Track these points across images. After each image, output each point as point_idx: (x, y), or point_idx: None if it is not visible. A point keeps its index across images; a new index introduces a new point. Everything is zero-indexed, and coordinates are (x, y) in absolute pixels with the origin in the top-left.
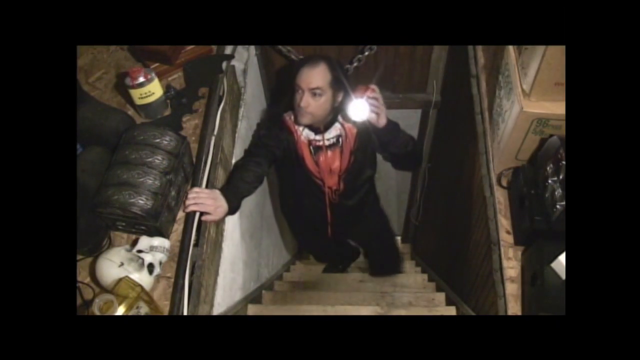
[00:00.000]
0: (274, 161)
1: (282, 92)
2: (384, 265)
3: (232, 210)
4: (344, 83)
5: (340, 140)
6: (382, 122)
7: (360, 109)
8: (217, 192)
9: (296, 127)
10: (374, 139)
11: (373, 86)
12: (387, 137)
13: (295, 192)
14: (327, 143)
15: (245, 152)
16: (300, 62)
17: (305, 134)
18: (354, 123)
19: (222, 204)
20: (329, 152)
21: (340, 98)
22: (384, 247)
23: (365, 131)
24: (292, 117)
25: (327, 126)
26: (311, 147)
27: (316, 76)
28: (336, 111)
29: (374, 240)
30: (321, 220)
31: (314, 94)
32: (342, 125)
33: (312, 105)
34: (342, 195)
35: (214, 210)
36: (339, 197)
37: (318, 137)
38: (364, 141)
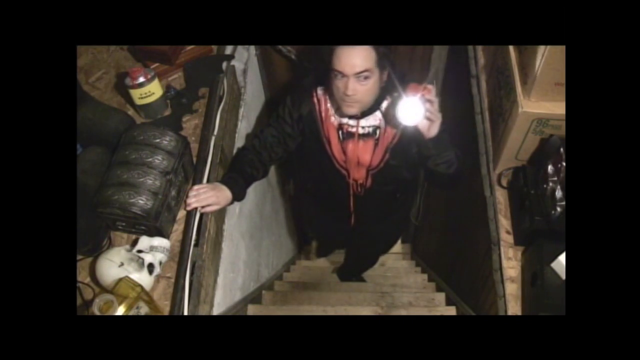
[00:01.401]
0: (283, 156)
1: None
2: (358, 270)
3: (237, 197)
4: (390, 60)
5: (378, 132)
6: (433, 132)
7: (412, 110)
8: (217, 183)
9: (327, 105)
10: (415, 144)
11: (430, 85)
12: (431, 151)
13: (314, 176)
14: (360, 131)
15: (258, 135)
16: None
17: (336, 114)
18: (398, 121)
19: (224, 193)
20: (361, 142)
21: (385, 77)
22: (375, 253)
23: (409, 132)
24: (322, 94)
25: (366, 113)
26: (340, 132)
27: (361, 56)
28: (381, 94)
29: (374, 244)
30: (343, 209)
31: (362, 78)
32: (383, 116)
33: (360, 91)
34: (369, 191)
35: (216, 201)
36: (365, 192)
37: (352, 122)
38: (406, 141)
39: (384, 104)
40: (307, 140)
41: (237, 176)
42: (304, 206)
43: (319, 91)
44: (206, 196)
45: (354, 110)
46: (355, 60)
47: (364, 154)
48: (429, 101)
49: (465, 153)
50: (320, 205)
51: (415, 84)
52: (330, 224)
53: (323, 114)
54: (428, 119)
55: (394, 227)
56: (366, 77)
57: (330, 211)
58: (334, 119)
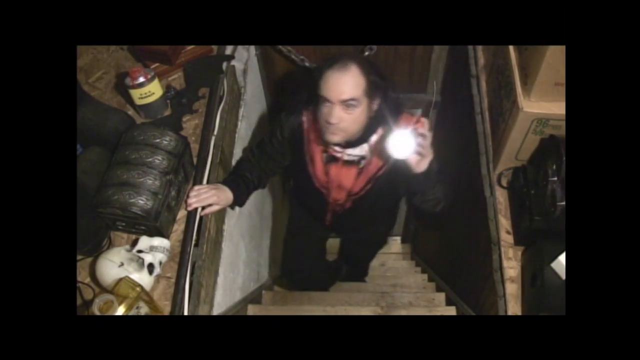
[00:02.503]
0: (279, 170)
1: (283, 92)
2: (352, 271)
3: (237, 199)
4: (383, 89)
5: (363, 162)
6: (422, 168)
7: (403, 143)
8: (218, 184)
9: (313, 125)
10: (402, 178)
11: (423, 119)
12: (419, 187)
13: (297, 186)
14: (345, 157)
15: (254, 149)
16: (322, 66)
17: (322, 139)
18: (386, 155)
19: (225, 193)
20: (344, 168)
21: (375, 106)
22: (366, 255)
23: (396, 166)
24: (312, 114)
25: (352, 144)
26: (325, 155)
27: (348, 84)
28: (370, 125)
29: (362, 246)
30: (321, 219)
31: (347, 106)
32: (370, 148)
33: (345, 120)
34: (349, 211)
35: (217, 200)
36: (344, 211)
37: (338, 148)
38: (392, 175)
39: (373, 138)
40: (292, 155)
41: (238, 179)
42: (291, 203)
43: (310, 110)
44: (207, 196)
45: (337, 138)
46: (343, 86)
47: (346, 180)
48: (421, 135)
49: (450, 186)
50: (302, 205)
51: (408, 114)
52: (309, 222)
53: (310, 134)
54: (418, 153)
55: (375, 236)
56: (353, 106)
57: (309, 213)
58: (320, 142)
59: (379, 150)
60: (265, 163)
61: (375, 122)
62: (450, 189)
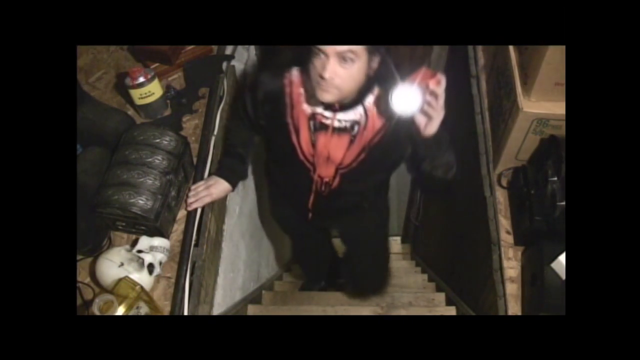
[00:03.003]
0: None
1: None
2: (368, 278)
3: (238, 179)
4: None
5: (356, 127)
6: (431, 130)
7: (410, 99)
8: (212, 177)
9: (300, 89)
10: (405, 146)
11: (441, 76)
12: (428, 151)
13: (273, 161)
14: (336, 124)
15: (232, 115)
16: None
17: (310, 102)
18: (387, 114)
19: (221, 186)
20: (335, 137)
21: (375, 65)
22: (372, 252)
23: (396, 130)
24: (298, 76)
25: (346, 106)
26: (312, 122)
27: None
28: (368, 85)
29: (361, 242)
30: (301, 204)
31: (344, 60)
32: (365, 110)
33: (341, 75)
34: (334, 191)
35: (214, 197)
36: (329, 191)
37: (327, 114)
38: (389, 142)
39: (370, 98)
40: (269, 125)
41: (233, 161)
42: (268, 189)
43: (294, 72)
44: (204, 194)
45: (329, 96)
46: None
47: (336, 150)
48: (433, 94)
49: (459, 154)
50: (279, 191)
51: (425, 69)
52: (288, 212)
53: (294, 98)
54: (426, 113)
55: (368, 218)
56: (350, 59)
57: (288, 200)
58: (307, 107)
59: (378, 110)
60: (248, 131)
61: (373, 82)
62: (454, 158)
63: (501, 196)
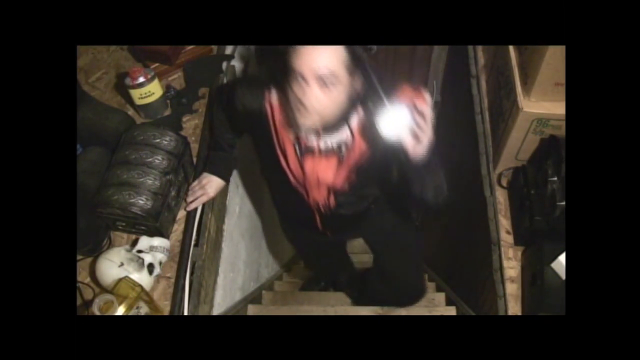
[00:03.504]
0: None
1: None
2: (400, 288)
3: (229, 172)
4: (366, 67)
5: (343, 148)
6: (420, 152)
7: (396, 120)
8: (204, 176)
9: (279, 113)
10: (391, 167)
11: (424, 92)
12: (417, 174)
13: (271, 184)
14: (322, 146)
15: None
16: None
17: (293, 126)
18: (373, 135)
19: (215, 182)
20: (322, 159)
21: (358, 86)
22: (402, 257)
23: (383, 151)
24: (275, 100)
25: (330, 128)
26: (297, 146)
27: (326, 55)
28: (350, 107)
29: (387, 243)
30: (311, 225)
31: (324, 84)
32: (351, 130)
33: (322, 101)
34: (335, 209)
35: (210, 196)
36: (330, 210)
37: (311, 137)
38: (377, 162)
39: (354, 118)
40: (257, 142)
41: (222, 155)
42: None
43: (274, 94)
44: (200, 193)
45: (309, 123)
46: (319, 59)
47: (325, 173)
48: (420, 113)
49: (453, 176)
50: (284, 210)
51: (407, 86)
52: (304, 233)
53: (277, 122)
54: (415, 135)
55: (385, 217)
56: (331, 83)
57: (297, 220)
58: (290, 130)
59: (364, 130)
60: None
61: (356, 103)
62: (445, 176)
63: (501, 196)
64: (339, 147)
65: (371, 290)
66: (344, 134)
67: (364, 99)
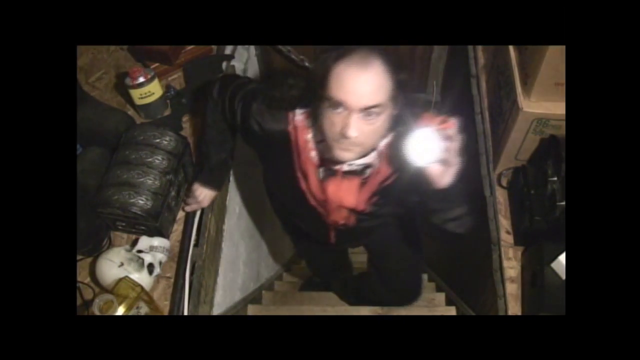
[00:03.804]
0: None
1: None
2: (400, 288)
3: (222, 182)
4: (405, 86)
5: (368, 171)
6: (446, 181)
7: (424, 147)
8: (197, 188)
9: (307, 136)
10: (416, 192)
11: (454, 120)
12: (440, 205)
13: (281, 203)
14: (345, 168)
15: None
16: (329, 57)
17: (317, 149)
18: (400, 158)
19: (207, 193)
20: (345, 181)
21: (396, 112)
22: (403, 261)
23: (408, 176)
24: (303, 121)
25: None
26: (321, 170)
27: (372, 85)
28: (387, 133)
29: (390, 249)
30: (320, 238)
31: (369, 114)
32: (379, 154)
33: (365, 132)
34: (353, 226)
35: (206, 203)
36: (346, 227)
37: (336, 161)
38: (402, 184)
39: (383, 143)
40: (270, 166)
41: (215, 167)
42: (279, 219)
43: (298, 116)
44: (195, 204)
45: (350, 155)
46: (365, 88)
47: (348, 196)
48: (449, 138)
49: (473, 205)
50: (295, 228)
51: (430, 114)
52: (307, 242)
53: (300, 145)
54: (443, 162)
55: (392, 227)
56: (375, 114)
57: (308, 236)
58: (314, 155)
59: (390, 155)
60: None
61: (392, 127)
62: (476, 205)
63: (501, 196)
64: (364, 169)
65: (369, 292)
66: (370, 158)
67: (394, 123)
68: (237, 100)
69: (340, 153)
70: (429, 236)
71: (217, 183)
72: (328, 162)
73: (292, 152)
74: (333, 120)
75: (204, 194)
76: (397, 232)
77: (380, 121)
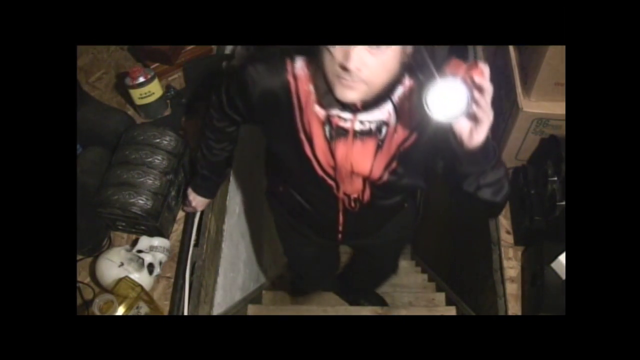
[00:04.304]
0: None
1: None
2: (383, 275)
3: (217, 190)
4: None
5: (384, 130)
6: (478, 140)
7: (450, 99)
8: (191, 193)
9: (309, 86)
10: (442, 155)
11: (484, 65)
12: (473, 168)
13: (285, 180)
14: (357, 127)
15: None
16: None
17: (323, 102)
18: (422, 111)
19: (202, 201)
20: (357, 143)
21: (410, 49)
22: (395, 254)
23: (432, 135)
24: (304, 68)
25: (370, 104)
26: (327, 127)
27: None
28: (399, 74)
29: (382, 249)
30: (327, 226)
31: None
32: (395, 106)
33: (371, 65)
34: (368, 205)
35: (201, 208)
36: (361, 207)
37: (346, 115)
38: (427, 145)
39: (399, 90)
40: (271, 133)
41: (212, 176)
42: (273, 214)
43: (299, 63)
44: (191, 210)
45: (353, 94)
46: None
47: (362, 161)
48: (479, 89)
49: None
50: (296, 216)
51: (458, 60)
52: (307, 242)
53: (302, 99)
54: (473, 116)
55: (400, 229)
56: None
57: (310, 224)
58: (320, 109)
59: (411, 105)
60: (226, 133)
61: (404, 71)
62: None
63: None
64: (379, 128)
65: (356, 282)
66: (385, 113)
67: (413, 64)
68: (233, 80)
69: (342, 91)
70: (462, 208)
71: (210, 190)
72: (335, 119)
73: (293, 108)
74: (334, 53)
75: (196, 201)
76: (396, 235)
77: (388, 54)
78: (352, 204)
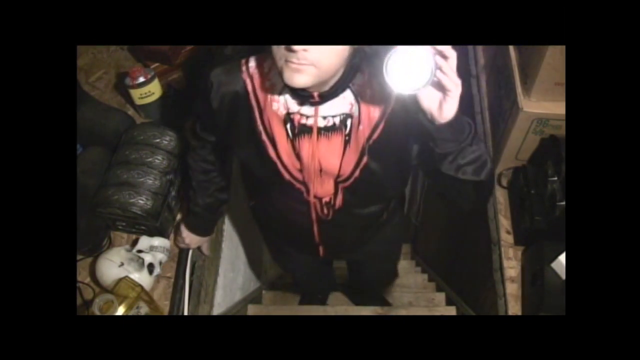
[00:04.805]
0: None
1: None
2: (371, 292)
3: (213, 227)
4: None
5: (349, 122)
6: (449, 113)
7: (413, 67)
8: (184, 231)
9: (266, 83)
10: (415, 139)
11: (447, 48)
12: (448, 146)
13: (256, 192)
14: (321, 123)
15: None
16: None
17: (281, 99)
18: (385, 97)
19: (195, 238)
20: (323, 140)
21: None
22: (381, 273)
23: (401, 118)
24: (258, 66)
25: (329, 95)
26: (289, 126)
27: None
28: (354, 60)
29: (372, 263)
30: (305, 239)
31: None
32: (356, 97)
33: (317, 46)
34: (341, 212)
35: (194, 245)
36: (335, 214)
37: (306, 110)
38: (395, 134)
39: (359, 78)
40: (235, 138)
41: (204, 214)
42: (260, 228)
43: (252, 62)
44: (185, 247)
45: (302, 78)
46: None
47: (330, 158)
48: (442, 55)
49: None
50: (273, 231)
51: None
52: (293, 254)
53: (260, 98)
54: (440, 87)
55: (386, 244)
56: None
57: (288, 239)
58: (278, 105)
59: (373, 93)
60: (211, 161)
61: (360, 57)
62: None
63: (501, 196)
64: (343, 122)
65: (359, 289)
66: (347, 104)
67: (370, 50)
68: (198, 93)
69: (290, 75)
70: (447, 198)
71: (204, 229)
72: (297, 116)
73: (252, 109)
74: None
75: (189, 238)
76: (386, 245)
77: None
78: (325, 210)
